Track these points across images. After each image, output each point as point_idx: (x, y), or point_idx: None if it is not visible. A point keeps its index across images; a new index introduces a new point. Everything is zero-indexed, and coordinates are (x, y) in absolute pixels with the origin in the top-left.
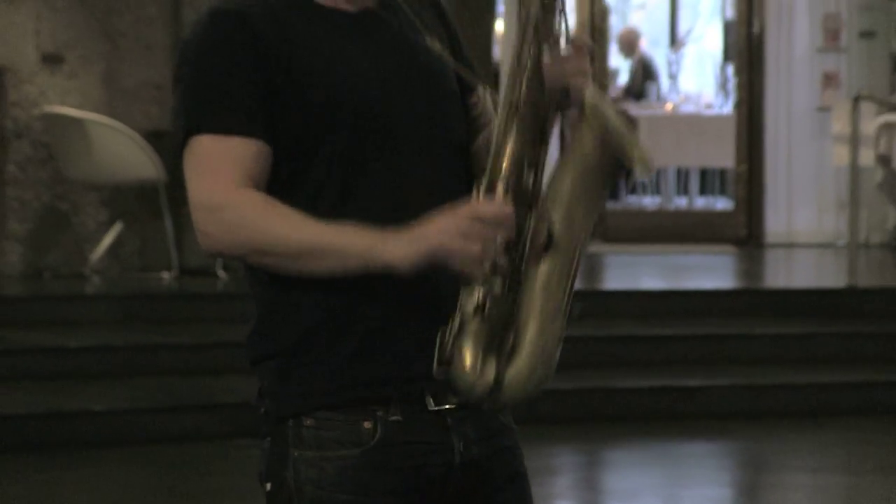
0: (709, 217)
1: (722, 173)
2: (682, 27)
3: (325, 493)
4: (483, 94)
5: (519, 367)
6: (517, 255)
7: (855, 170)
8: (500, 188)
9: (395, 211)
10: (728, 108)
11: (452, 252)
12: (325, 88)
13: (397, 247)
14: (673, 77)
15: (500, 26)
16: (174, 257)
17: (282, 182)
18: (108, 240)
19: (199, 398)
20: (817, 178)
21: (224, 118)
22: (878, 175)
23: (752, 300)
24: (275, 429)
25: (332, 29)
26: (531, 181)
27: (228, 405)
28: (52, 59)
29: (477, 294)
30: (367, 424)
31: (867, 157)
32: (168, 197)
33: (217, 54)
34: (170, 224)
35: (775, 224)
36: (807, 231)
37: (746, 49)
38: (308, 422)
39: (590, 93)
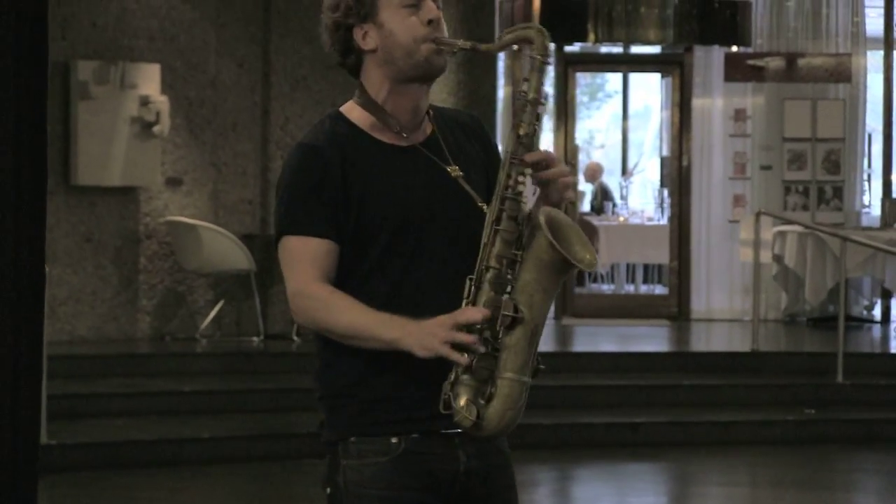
0: (649, 299)
1: (659, 267)
2: (631, 162)
3: (364, 490)
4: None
5: (495, 408)
6: (496, 327)
7: (757, 265)
8: (485, 284)
9: (421, 294)
10: (664, 220)
11: (442, 354)
12: (375, 206)
13: (413, 343)
14: (624, 198)
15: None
16: (261, 326)
17: (345, 268)
18: (213, 313)
19: (280, 429)
20: (729, 271)
21: (304, 225)
22: (774, 269)
23: (680, 360)
24: (331, 448)
25: (386, 159)
26: (509, 274)
27: (301, 434)
28: (173, 182)
29: (468, 356)
30: (394, 440)
31: (766, 256)
32: (257, 282)
33: (298, 178)
34: (258, 302)
35: (698, 304)
36: (721, 309)
37: (677, 177)
38: (352, 440)
39: (544, 210)
